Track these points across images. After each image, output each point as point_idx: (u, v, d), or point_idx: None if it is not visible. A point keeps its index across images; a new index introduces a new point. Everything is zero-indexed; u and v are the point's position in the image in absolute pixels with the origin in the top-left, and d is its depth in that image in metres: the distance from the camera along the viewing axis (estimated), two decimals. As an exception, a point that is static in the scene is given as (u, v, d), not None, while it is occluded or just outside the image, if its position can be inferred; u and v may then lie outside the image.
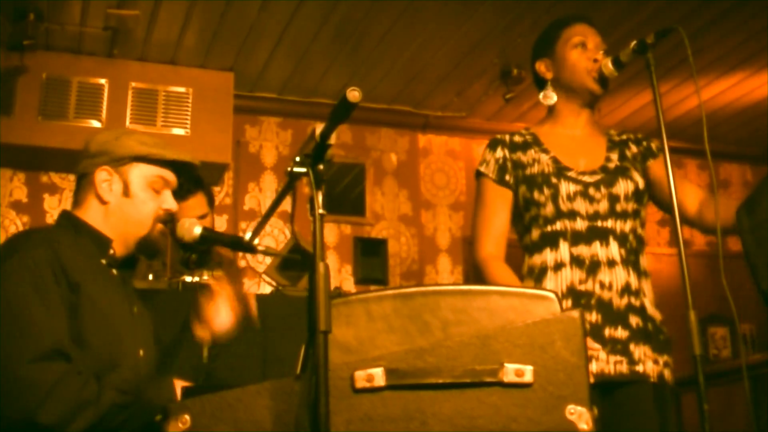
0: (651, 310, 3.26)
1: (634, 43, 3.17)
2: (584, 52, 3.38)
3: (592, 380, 2.92)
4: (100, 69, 7.37)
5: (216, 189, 7.89)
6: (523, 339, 2.11)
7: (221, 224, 7.84)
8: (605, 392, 3.11)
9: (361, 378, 2.08)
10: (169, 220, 3.07)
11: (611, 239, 3.22)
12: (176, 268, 4.46)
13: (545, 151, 3.34)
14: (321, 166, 2.15)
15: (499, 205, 3.36)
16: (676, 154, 8.77)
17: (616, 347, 3.12)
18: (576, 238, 3.22)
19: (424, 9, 6.67)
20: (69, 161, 7.09)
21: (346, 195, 8.37)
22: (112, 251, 2.94)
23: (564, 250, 3.22)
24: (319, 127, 2.13)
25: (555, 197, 3.23)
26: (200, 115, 7.50)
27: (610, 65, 3.29)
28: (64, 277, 2.68)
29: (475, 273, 3.35)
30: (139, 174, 2.99)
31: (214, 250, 4.81)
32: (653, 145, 3.47)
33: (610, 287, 3.17)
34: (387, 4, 6.59)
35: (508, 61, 7.53)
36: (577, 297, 3.15)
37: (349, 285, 7.95)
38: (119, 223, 2.96)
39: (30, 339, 2.52)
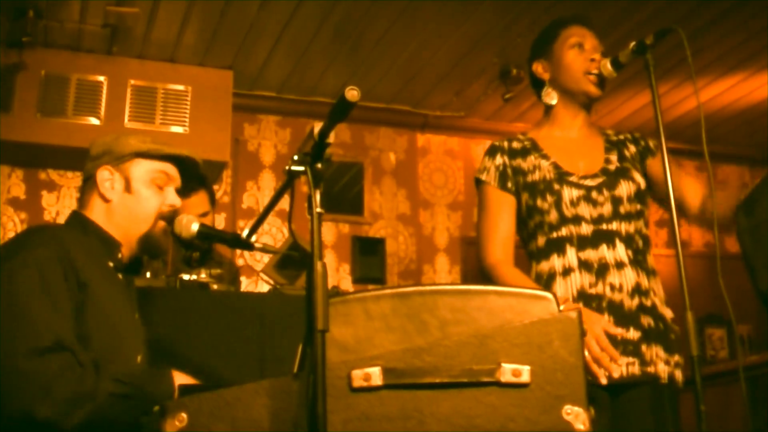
0: (662, 308, 3.25)
1: (633, 43, 3.17)
2: (581, 53, 3.38)
3: (605, 382, 2.94)
4: (99, 66, 7.37)
5: (214, 187, 7.88)
6: (521, 339, 2.11)
7: (219, 222, 7.84)
8: (616, 393, 3.11)
9: (358, 377, 2.08)
10: (173, 216, 3.08)
11: (617, 241, 3.22)
12: (177, 267, 4.46)
13: (545, 156, 3.33)
14: (319, 165, 2.15)
15: (503, 211, 3.35)
16: (675, 155, 8.71)
17: (628, 348, 3.12)
18: (582, 243, 3.21)
19: (424, 8, 6.67)
20: (67, 158, 7.17)
21: (344, 194, 8.38)
22: (120, 255, 2.94)
23: (571, 255, 3.21)
24: (318, 126, 2.13)
25: (558, 204, 3.23)
26: (199, 113, 7.50)
27: (609, 66, 3.28)
28: (74, 275, 2.68)
29: (483, 279, 3.34)
30: (141, 170, 2.99)
31: (215, 249, 4.82)
32: (651, 144, 3.47)
33: (620, 289, 3.16)
34: (386, 4, 6.59)
35: (508, 61, 7.53)
36: (588, 300, 3.14)
37: (346, 284, 7.95)
38: (123, 221, 2.96)
39: (30, 333, 2.52)
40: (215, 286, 4.12)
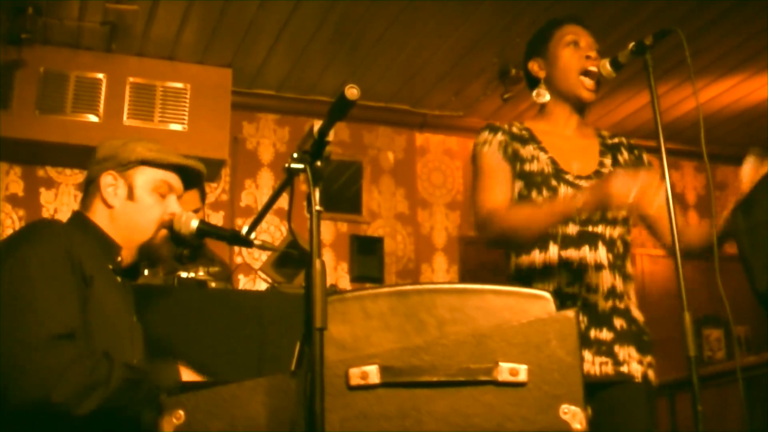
0: (635, 312, 3.26)
1: (632, 44, 3.17)
2: (576, 51, 3.37)
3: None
4: (98, 64, 7.37)
5: (213, 185, 7.90)
6: (518, 338, 2.11)
7: (218, 220, 7.85)
8: (591, 393, 3.11)
9: (355, 375, 2.08)
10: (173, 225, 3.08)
11: (600, 244, 3.22)
12: (170, 264, 4.46)
13: (543, 149, 3.32)
14: (319, 163, 2.15)
15: (501, 173, 3.29)
16: (674, 156, 8.79)
17: (601, 349, 3.13)
18: (566, 242, 3.21)
19: (424, 8, 6.67)
20: (66, 156, 7.17)
21: (342, 193, 8.38)
22: (119, 258, 2.94)
23: (553, 252, 3.21)
24: (317, 124, 2.13)
25: (553, 201, 3.22)
26: (198, 111, 7.50)
27: (608, 66, 3.28)
28: (80, 270, 2.69)
29: (481, 231, 3.25)
30: (145, 178, 3.00)
31: (206, 246, 4.81)
32: (645, 157, 3.47)
33: (596, 290, 3.17)
34: (386, 3, 6.60)
35: (507, 61, 7.53)
36: (564, 299, 3.14)
37: (344, 283, 7.95)
38: (124, 228, 2.96)
39: (45, 320, 2.53)
40: (213, 284, 4.12)
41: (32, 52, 7.10)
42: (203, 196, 4.79)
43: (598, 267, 3.20)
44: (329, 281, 7.55)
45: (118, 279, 2.95)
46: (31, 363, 2.47)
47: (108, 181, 2.97)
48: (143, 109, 7.41)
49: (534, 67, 3.46)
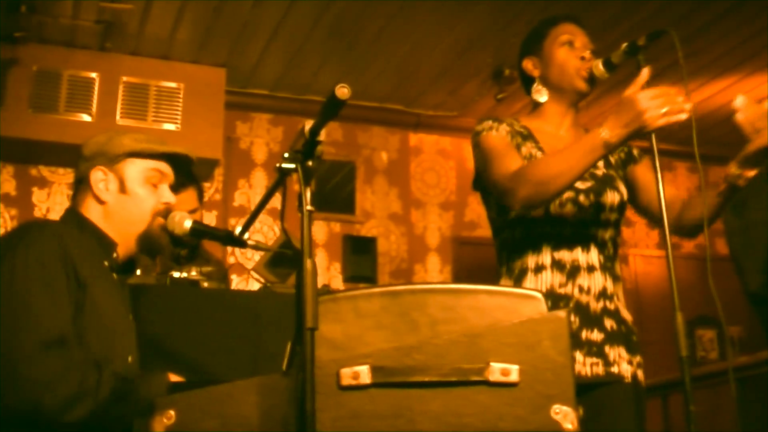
0: (624, 312, 3.27)
1: (625, 44, 3.16)
2: (571, 51, 3.37)
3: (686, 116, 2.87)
4: (91, 62, 7.37)
5: (206, 185, 7.89)
6: (510, 338, 2.11)
7: (211, 220, 7.84)
8: (581, 393, 3.11)
9: (347, 375, 2.07)
10: (168, 213, 3.07)
11: (592, 246, 3.23)
12: (166, 264, 4.46)
13: (540, 149, 3.32)
14: (310, 163, 2.15)
15: (513, 150, 3.25)
16: (667, 157, 8.80)
17: (592, 349, 3.13)
18: (560, 243, 3.21)
19: (419, 8, 6.67)
20: (59, 155, 7.16)
21: (336, 193, 8.38)
22: (116, 255, 2.94)
23: (546, 253, 3.21)
24: (309, 124, 2.13)
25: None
26: (191, 110, 7.50)
27: (600, 66, 3.27)
28: (73, 272, 2.68)
29: (510, 197, 3.10)
30: (135, 169, 2.99)
31: (203, 246, 4.81)
32: (635, 151, 3.47)
33: (588, 291, 3.18)
34: (381, 3, 6.60)
35: (501, 62, 7.54)
36: (556, 300, 3.15)
37: (337, 283, 7.95)
38: (119, 222, 2.96)
39: (36, 327, 2.52)
40: (206, 284, 4.11)
41: (25, 51, 7.10)
42: (201, 196, 4.79)
43: (590, 268, 3.21)
44: (322, 281, 7.57)
45: (114, 276, 2.95)
46: (22, 371, 2.46)
47: (98, 176, 2.96)
48: (137, 108, 7.41)
49: (528, 65, 3.46)
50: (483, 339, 2.10)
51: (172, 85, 7.53)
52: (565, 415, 2.08)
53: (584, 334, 3.14)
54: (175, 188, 4.27)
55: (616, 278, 3.30)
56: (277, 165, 2.15)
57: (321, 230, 8.18)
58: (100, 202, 2.96)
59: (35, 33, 7.02)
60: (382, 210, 8.49)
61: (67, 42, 7.26)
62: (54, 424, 2.47)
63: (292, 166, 2.15)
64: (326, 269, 8.09)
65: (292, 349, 2.13)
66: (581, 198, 3.23)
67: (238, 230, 3.09)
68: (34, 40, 7.11)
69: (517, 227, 3.30)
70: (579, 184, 3.24)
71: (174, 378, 2.76)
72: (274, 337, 3.77)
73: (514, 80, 7.51)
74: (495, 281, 3.33)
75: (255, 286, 5.03)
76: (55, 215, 7.14)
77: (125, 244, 2.96)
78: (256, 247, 3.17)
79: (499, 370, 2.08)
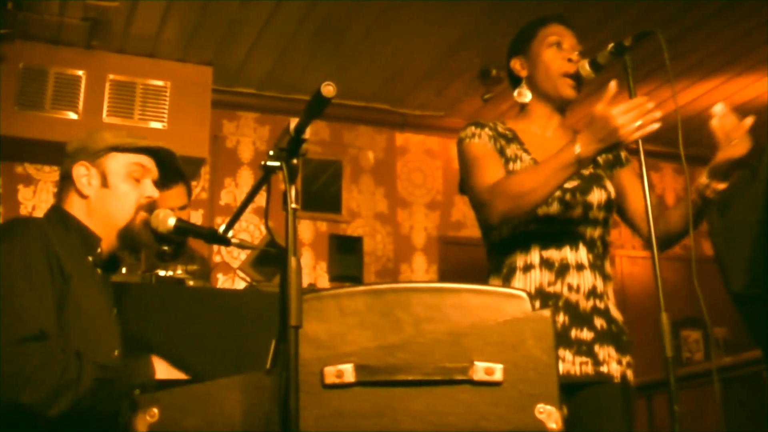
0: (614, 312, 3.27)
1: (611, 45, 3.17)
2: (559, 52, 3.37)
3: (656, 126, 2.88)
4: (78, 60, 7.35)
5: (192, 183, 7.87)
6: (494, 337, 2.11)
7: (197, 219, 7.83)
8: (570, 393, 3.11)
9: (330, 374, 2.07)
10: (152, 208, 3.08)
11: (581, 244, 3.23)
12: (151, 262, 4.45)
13: (526, 151, 3.32)
14: (295, 161, 2.15)
15: (495, 159, 3.26)
16: (653, 158, 8.82)
17: (582, 348, 3.13)
18: (548, 242, 3.22)
19: (406, 8, 6.67)
20: (45, 153, 7.14)
21: (322, 192, 8.38)
22: (99, 250, 2.95)
23: (534, 252, 3.21)
24: (294, 122, 2.13)
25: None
26: (178, 108, 7.49)
27: (587, 67, 3.27)
28: (57, 267, 2.70)
29: (487, 211, 3.16)
30: (117, 164, 3.01)
31: (188, 244, 4.81)
32: (622, 154, 3.48)
33: (577, 290, 3.17)
34: (368, 3, 6.60)
35: (488, 62, 7.54)
36: (545, 298, 3.15)
37: (323, 282, 7.94)
38: (102, 215, 2.97)
39: (15, 322, 2.53)
40: (191, 282, 4.11)
41: (11, 48, 7.07)
42: (190, 193, 4.80)
43: (579, 267, 3.21)
44: (308, 280, 7.56)
45: (98, 271, 2.95)
46: (0, 364, 2.47)
47: (81, 171, 2.99)
48: (123, 106, 7.39)
49: (516, 65, 3.45)
50: (467, 338, 2.10)
51: (159, 83, 7.52)
52: (549, 414, 2.07)
53: (574, 332, 3.14)
54: (165, 184, 4.32)
55: (606, 277, 3.29)
56: (262, 163, 2.15)
57: (307, 229, 8.18)
58: (83, 196, 2.98)
59: (21, 30, 6.99)
60: (369, 209, 8.49)
61: (54, 39, 7.24)
62: (38, 419, 2.47)
63: (277, 164, 2.15)
64: (312, 268, 8.09)
65: (276, 347, 2.13)
66: (568, 197, 3.23)
67: (222, 228, 3.08)
68: (20, 37, 7.08)
69: (506, 227, 3.30)
70: (566, 183, 3.23)
71: (159, 364, 2.77)
72: (258, 335, 3.75)
73: (501, 80, 7.51)
74: (481, 281, 3.33)
75: (241, 284, 5.03)
76: (41, 213, 7.10)
77: (108, 238, 2.98)
78: (240, 246, 3.16)
79: (483, 369, 2.08)
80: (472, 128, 3.35)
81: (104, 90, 7.38)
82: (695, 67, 7.64)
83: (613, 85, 2.95)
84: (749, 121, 3.01)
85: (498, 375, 2.08)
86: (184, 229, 3.16)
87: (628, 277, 8.82)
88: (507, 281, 3.23)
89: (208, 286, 4.41)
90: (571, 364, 3.11)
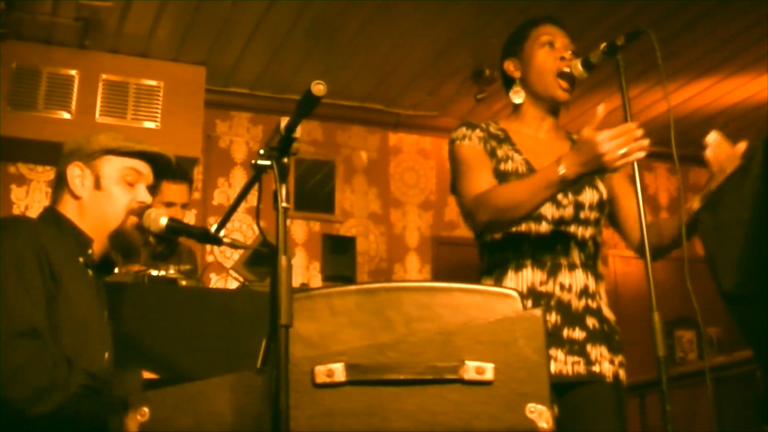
0: (606, 311, 3.27)
1: (604, 44, 3.16)
2: (551, 52, 3.37)
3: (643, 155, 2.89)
4: (70, 60, 7.33)
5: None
6: (485, 336, 2.10)
7: (190, 219, 7.81)
8: (562, 392, 3.11)
9: (321, 373, 2.07)
10: (144, 213, 3.08)
11: (572, 244, 3.23)
12: (146, 263, 4.46)
13: (518, 151, 3.32)
14: (286, 160, 2.15)
15: (484, 164, 3.27)
16: (647, 158, 8.78)
17: (574, 348, 3.13)
18: (539, 241, 3.22)
19: (398, 7, 6.67)
20: (38, 152, 7.13)
21: (315, 192, 8.37)
22: (91, 251, 2.95)
23: (526, 251, 3.21)
24: (285, 121, 2.13)
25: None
26: (171, 108, 7.48)
27: (579, 66, 3.27)
28: (48, 268, 2.70)
29: (470, 217, 3.21)
30: (111, 167, 3.01)
31: (182, 244, 4.81)
32: None
33: (569, 289, 3.18)
34: (361, 2, 6.60)
35: (481, 62, 7.54)
36: (538, 298, 3.15)
37: (317, 282, 7.94)
38: (93, 217, 2.98)
39: (6, 317, 2.53)
40: (183, 282, 4.11)
41: (4, 48, 7.05)
42: (191, 192, 4.84)
43: (571, 266, 3.21)
44: (301, 280, 7.55)
45: (90, 273, 2.95)
46: None
47: (75, 172, 2.99)
48: (116, 106, 7.38)
49: (509, 66, 3.45)
50: (458, 337, 2.10)
51: (152, 83, 7.51)
52: (540, 413, 2.08)
53: (566, 332, 3.14)
54: (175, 179, 4.38)
55: (598, 277, 3.30)
56: (253, 162, 2.15)
57: (300, 229, 8.17)
58: (76, 197, 2.98)
59: (14, 30, 6.98)
60: (362, 209, 8.49)
61: (47, 39, 7.23)
62: (21, 416, 2.47)
63: (268, 163, 2.15)
64: (305, 268, 8.09)
65: (266, 347, 2.13)
66: (560, 196, 3.23)
67: (214, 227, 3.08)
68: (12, 37, 7.07)
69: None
70: None
71: (147, 375, 2.76)
72: (250, 335, 3.76)
73: (494, 80, 7.52)
74: (475, 281, 3.33)
75: (234, 284, 5.03)
76: (34, 213, 7.10)
77: (99, 240, 2.98)
78: (232, 245, 3.16)
79: (474, 368, 2.08)
80: (463, 129, 3.36)
81: (97, 90, 7.37)
82: (688, 67, 7.64)
83: (601, 109, 2.95)
84: (742, 147, 3.01)
85: (489, 374, 2.08)
86: (175, 228, 3.16)
87: (621, 277, 8.83)
88: (499, 281, 3.23)
89: (200, 286, 4.40)
90: (563, 363, 3.11)
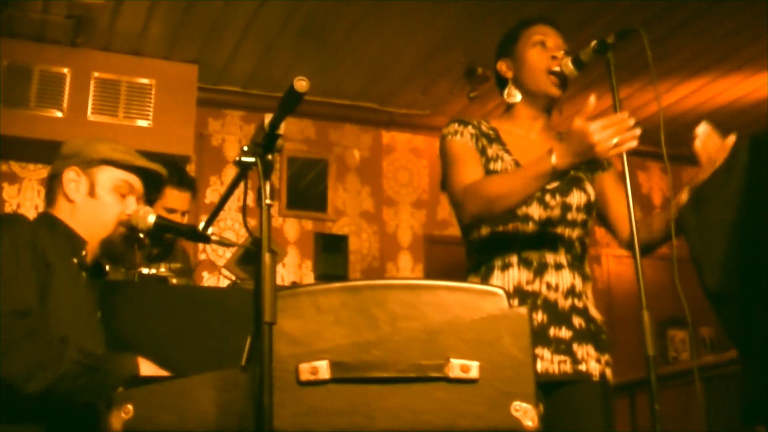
0: (593, 311, 3.27)
1: (594, 42, 3.16)
2: (543, 51, 3.37)
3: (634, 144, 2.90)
4: (62, 58, 7.32)
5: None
6: (470, 334, 2.10)
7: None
8: (549, 391, 3.12)
9: (305, 371, 2.07)
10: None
11: (559, 245, 3.24)
12: (139, 263, 4.46)
13: (508, 151, 3.33)
14: (270, 156, 2.14)
15: (474, 158, 3.28)
16: (640, 157, 8.83)
17: (560, 347, 3.13)
18: (526, 241, 3.22)
19: (391, 6, 6.67)
20: (30, 151, 7.12)
21: (308, 191, 8.36)
22: (84, 252, 3.00)
23: (513, 251, 3.22)
24: (268, 117, 2.13)
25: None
26: (163, 107, 7.47)
27: (570, 65, 3.27)
28: (43, 262, 2.75)
29: (459, 208, 3.22)
30: (107, 177, 3.08)
31: (177, 246, 4.82)
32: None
33: (556, 288, 3.18)
34: (353, 1, 6.59)
35: (473, 60, 7.53)
36: (524, 297, 3.15)
37: (309, 281, 7.94)
38: (85, 223, 3.03)
39: (2, 296, 2.57)
40: (174, 280, 4.11)
41: (-4, 45, 7.06)
42: (194, 199, 4.86)
43: (558, 266, 3.21)
44: (293, 279, 7.54)
45: (83, 274, 2.98)
46: None
47: (71, 176, 3.05)
48: (108, 104, 7.37)
49: (502, 67, 3.46)
50: (442, 335, 2.10)
51: (144, 81, 7.50)
52: (525, 412, 2.07)
53: (552, 331, 3.14)
54: (180, 186, 4.43)
55: (585, 277, 3.30)
56: (237, 159, 2.15)
57: (293, 228, 8.17)
58: (69, 200, 3.04)
59: (6, 27, 6.96)
60: (354, 208, 8.48)
61: (38, 37, 7.22)
62: (15, 393, 2.51)
63: (252, 159, 2.14)
64: (298, 267, 8.08)
65: (251, 344, 2.13)
66: (547, 197, 3.24)
67: (202, 225, 3.09)
68: (4, 35, 7.06)
69: (483, 225, 3.30)
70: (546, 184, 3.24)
71: (143, 363, 2.77)
72: (241, 333, 3.75)
73: (486, 79, 7.51)
74: (465, 279, 3.34)
75: (226, 283, 5.03)
76: (26, 211, 7.12)
77: (91, 244, 3.04)
78: (220, 243, 3.16)
79: (459, 366, 2.08)
80: (455, 125, 3.36)
81: (89, 88, 7.36)
82: (681, 67, 7.64)
83: (592, 99, 2.95)
84: (731, 140, 3.01)
85: (474, 372, 2.08)
86: (163, 226, 3.18)
87: (614, 277, 8.82)
88: (485, 279, 3.24)
89: (191, 284, 4.40)
90: (549, 362, 3.11)
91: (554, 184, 3.24)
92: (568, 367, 3.13)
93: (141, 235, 3.21)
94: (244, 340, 2.29)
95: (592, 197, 3.34)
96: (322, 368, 2.07)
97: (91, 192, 3.04)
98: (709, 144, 3.08)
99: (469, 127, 3.35)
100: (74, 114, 7.23)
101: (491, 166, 3.28)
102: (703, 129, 3.11)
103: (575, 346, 3.16)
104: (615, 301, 8.36)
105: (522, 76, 3.39)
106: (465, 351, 2.09)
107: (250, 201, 2.42)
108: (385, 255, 8.48)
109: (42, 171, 7.42)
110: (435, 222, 8.77)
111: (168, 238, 4.49)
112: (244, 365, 2.13)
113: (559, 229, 3.25)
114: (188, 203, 4.80)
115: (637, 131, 2.89)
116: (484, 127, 3.38)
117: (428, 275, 8.44)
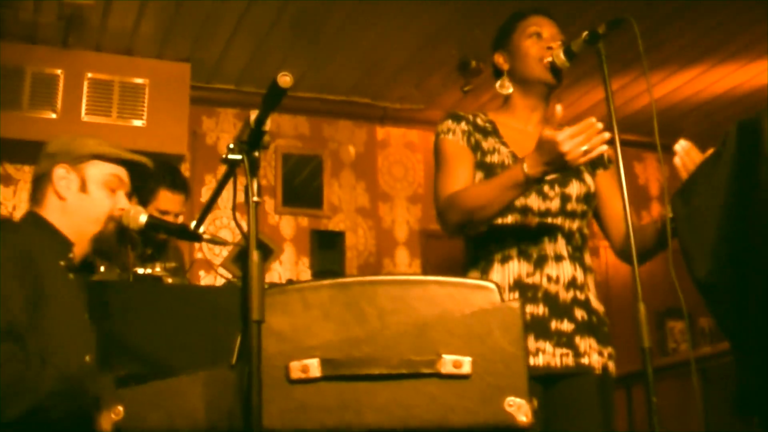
0: (595, 303, 3.26)
1: (585, 33, 3.16)
2: (538, 42, 3.37)
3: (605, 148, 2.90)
4: (54, 59, 7.29)
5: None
6: (461, 329, 2.09)
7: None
8: (551, 384, 3.11)
9: (296, 369, 2.06)
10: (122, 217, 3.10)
11: (559, 236, 3.23)
12: (132, 263, 4.45)
13: (504, 144, 3.32)
14: (257, 153, 2.13)
15: (464, 161, 3.28)
16: (636, 148, 8.81)
17: (562, 340, 3.12)
18: (525, 233, 3.21)
19: (382, 0, 6.65)
20: (24, 152, 7.10)
21: (303, 187, 8.34)
22: (72, 254, 2.99)
23: (512, 243, 3.21)
24: (254, 114, 2.12)
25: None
26: (157, 106, 7.45)
27: (561, 55, 3.27)
28: (30, 270, 2.73)
29: (442, 218, 3.26)
30: (96, 172, 3.07)
31: (171, 245, 4.81)
32: (605, 156, 3.46)
33: (557, 281, 3.17)
34: (345, -5, 6.58)
35: (467, 53, 7.52)
36: (524, 289, 3.14)
37: (306, 278, 7.93)
38: (76, 220, 3.02)
39: None
40: (169, 280, 4.10)
41: (-13, 47, 7.04)
42: (187, 202, 4.86)
43: (558, 258, 3.21)
44: (290, 276, 7.52)
45: (71, 276, 2.96)
46: None
47: (61, 173, 3.04)
48: (102, 104, 7.35)
49: (499, 60, 3.47)
50: (433, 330, 2.09)
51: (137, 80, 7.48)
52: (518, 407, 2.06)
53: (554, 324, 3.14)
54: (176, 189, 4.43)
55: (586, 268, 3.29)
56: (223, 156, 2.14)
57: (288, 225, 8.15)
58: (60, 198, 3.03)
59: (-3, 29, 6.96)
60: (350, 204, 8.47)
61: (30, 38, 7.19)
62: None
63: (239, 157, 2.14)
64: (294, 264, 8.07)
65: (241, 342, 2.12)
66: (546, 188, 3.23)
67: (193, 224, 3.08)
68: (-5, 36, 7.05)
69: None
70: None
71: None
72: (236, 332, 3.75)
73: (480, 72, 7.50)
74: (463, 274, 3.33)
75: (222, 281, 5.02)
76: (22, 213, 7.10)
77: (81, 243, 3.04)
78: (212, 241, 3.16)
79: (452, 362, 2.07)
80: (449, 122, 3.36)
81: (82, 88, 7.33)
82: (674, 57, 7.62)
83: (559, 108, 2.95)
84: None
85: (466, 368, 2.07)
86: (155, 225, 3.18)
87: (612, 269, 8.81)
88: (485, 273, 3.23)
89: (185, 283, 4.40)
90: (551, 355, 3.11)
91: (553, 175, 3.23)
92: (570, 361, 3.12)
93: (133, 235, 3.21)
94: (236, 337, 2.30)
95: (592, 188, 3.34)
96: (313, 366, 2.06)
97: (83, 188, 3.04)
98: (688, 160, 3.08)
99: (463, 123, 3.34)
100: (68, 115, 7.21)
101: (488, 159, 3.28)
102: (681, 145, 3.11)
103: (577, 339, 3.15)
104: (612, 293, 8.34)
105: (517, 66, 3.39)
106: (455, 345, 2.08)
107: (244, 199, 2.41)
108: (381, 251, 8.47)
109: (36, 172, 7.40)
110: (431, 216, 8.73)
111: (160, 238, 4.49)
112: (233, 363, 2.12)
113: (559, 220, 3.24)
114: (181, 205, 4.79)
115: (606, 135, 2.88)
116: (480, 121, 3.37)
117: (425, 270, 8.43)
